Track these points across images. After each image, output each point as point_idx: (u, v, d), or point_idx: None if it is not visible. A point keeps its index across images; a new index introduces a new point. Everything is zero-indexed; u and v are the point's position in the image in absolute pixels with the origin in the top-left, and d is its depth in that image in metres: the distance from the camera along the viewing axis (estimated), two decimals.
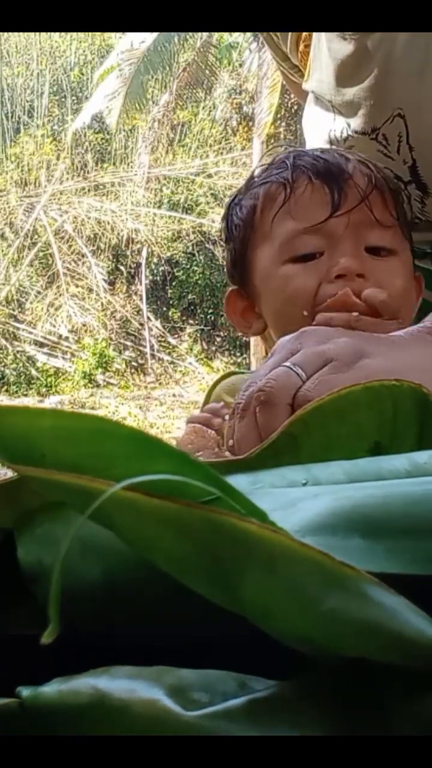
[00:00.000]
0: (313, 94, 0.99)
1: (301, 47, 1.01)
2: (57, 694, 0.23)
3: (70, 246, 10.09)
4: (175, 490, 0.20)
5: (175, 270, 10.22)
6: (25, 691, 0.24)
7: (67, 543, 0.20)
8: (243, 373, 0.91)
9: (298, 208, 0.81)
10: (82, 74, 11.25)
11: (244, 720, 0.21)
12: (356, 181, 0.80)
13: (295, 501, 0.26)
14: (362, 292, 0.77)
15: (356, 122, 0.94)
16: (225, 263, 0.91)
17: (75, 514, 0.26)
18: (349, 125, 0.95)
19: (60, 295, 9.93)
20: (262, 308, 0.85)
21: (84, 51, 11.52)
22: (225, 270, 0.91)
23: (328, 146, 0.98)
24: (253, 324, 0.87)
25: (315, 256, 0.80)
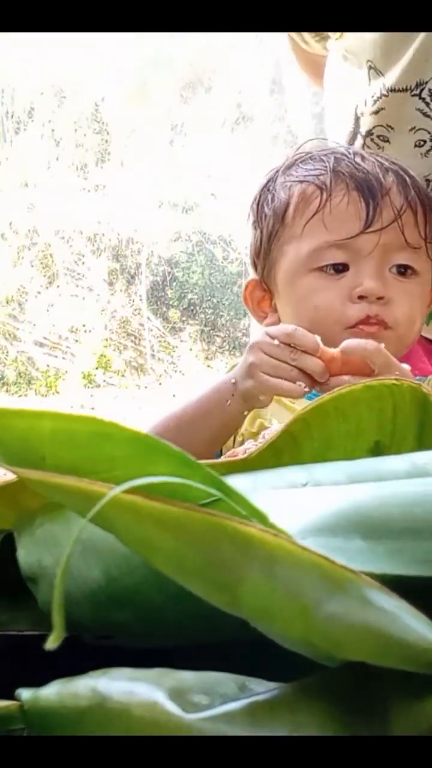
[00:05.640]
0: (347, 53, 0.96)
1: None
2: (57, 696, 0.23)
3: (70, 246, 10.08)
4: (175, 492, 0.20)
5: (175, 270, 10.21)
6: (25, 694, 0.24)
7: (69, 549, 0.20)
8: None
9: (333, 218, 0.81)
10: None
11: (244, 722, 0.21)
12: (392, 198, 0.81)
13: (296, 502, 0.26)
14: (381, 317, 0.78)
15: (396, 78, 0.89)
16: (249, 248, 0.90)
17: (75, 515, 0.26)
18: (384, 85, 0.92)
19: (60, 295, 9.92)
20: (279, 305, 0.85)
21: None
22: (249, 255, 0.91)
23: (353, 110, 0.95)
24: (269, 316, 0.88)
25: (341, 270, 0.80)
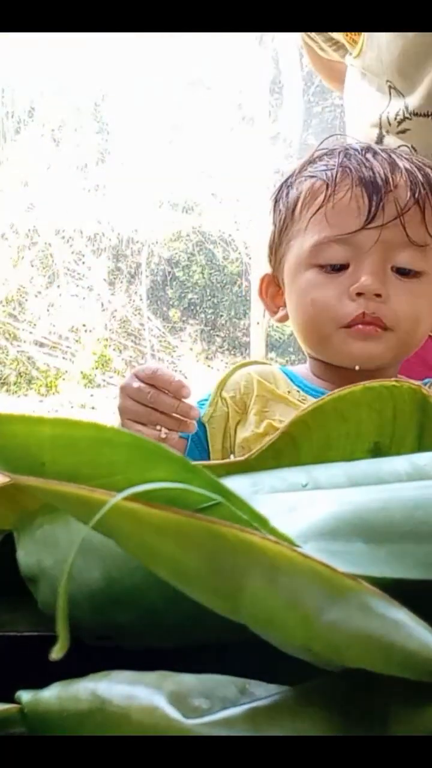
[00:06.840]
0: (365, 71, 0.96)
1: None
2: (57, 700, 0.23)
3: (70, 246, 10.07)
4: (175, 497, 0.20)
5: (175, 270, 10.20)
6: (25, 696, 0.24)
7: (70, 559, 0.20)
8: (263, 363, 0.90)
9: (335, 213, 0.80)
10: None
11: (244, 728, 0.20)
12: (398, 194, 0.79)
13: (297, 505, 0.26)
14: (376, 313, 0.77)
15: (418, 103, 0.89)
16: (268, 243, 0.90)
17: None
18: (407, 107, 0.91)
19: (60, 295, 9.92)
20: (286, 301, 0.85)
21: None
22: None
23: (376, 126, 0.94)
24: (280, 311, 0.88)
25: (341, 267, 0.79)
